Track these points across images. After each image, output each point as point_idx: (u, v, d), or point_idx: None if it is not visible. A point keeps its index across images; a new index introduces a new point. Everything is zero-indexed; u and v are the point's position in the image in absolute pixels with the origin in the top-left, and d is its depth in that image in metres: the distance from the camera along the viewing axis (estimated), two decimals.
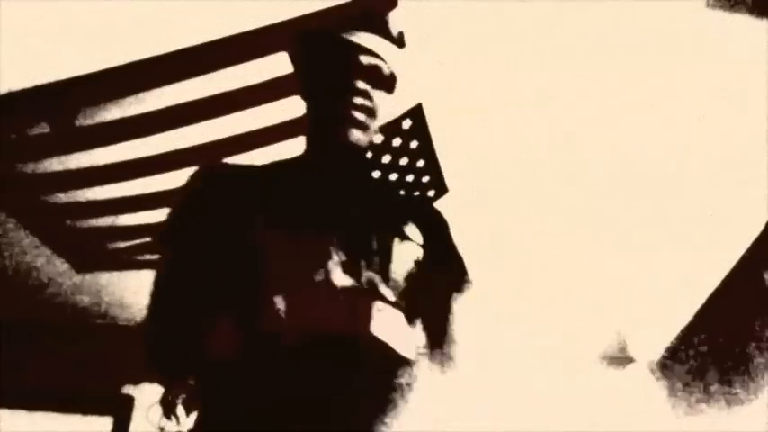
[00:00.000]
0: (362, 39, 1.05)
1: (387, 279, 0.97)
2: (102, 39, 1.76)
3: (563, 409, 3.22)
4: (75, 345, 3.32)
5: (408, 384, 0.98)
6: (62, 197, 2.23)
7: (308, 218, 0.97)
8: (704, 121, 2.11)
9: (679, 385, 3.26)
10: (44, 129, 1.97)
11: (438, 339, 1.08)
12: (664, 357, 3.40)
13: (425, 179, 2.30)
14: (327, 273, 0.91)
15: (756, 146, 2.17)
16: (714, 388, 2.94)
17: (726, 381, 2.84)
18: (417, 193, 2.36)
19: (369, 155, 2.15)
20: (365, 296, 0.92)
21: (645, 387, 3.40)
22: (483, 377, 3.51)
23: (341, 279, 0.91)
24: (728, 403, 2.82)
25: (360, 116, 1.03)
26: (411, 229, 1.08)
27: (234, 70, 1.83)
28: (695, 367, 3.12)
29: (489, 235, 2.65)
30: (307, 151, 1.11)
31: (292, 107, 1.94)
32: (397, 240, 1.03)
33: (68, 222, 2.39)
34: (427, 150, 2.18)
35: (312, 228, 0.96)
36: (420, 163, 2.23)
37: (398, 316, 0.97)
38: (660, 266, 2.76)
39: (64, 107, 1.91)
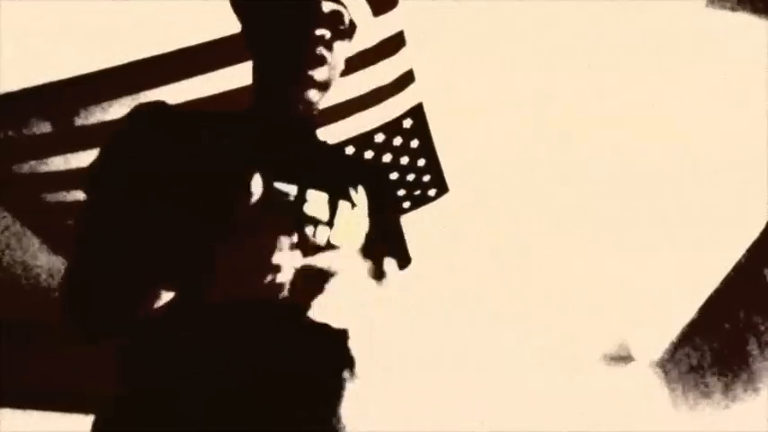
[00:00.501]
0: None
1: (329, 244, 0.89)
2: (102, 39, 1.76)
3: (563, 409, 3.22)
4: (75, 345, 3.32)
5: (344, 367, 0.89)
6: (63, 196, 2.23)
7: (248, 171, 0.88)
8: (704, 121, 2.11)
9: (679, 385, 3.26)
10: (45, 128, 1.97)
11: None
12: (664, 357, 3.40)
13: (426, 178, 2.30)
14: (271, 232, 0.81)
15: (756, 146, 2.17)
16: (714, 388, 2.94)
17: (726, 380, 2.84)
18: (418, 192, 2.36)
19: (370, 154, 2.16)
20: (308, 262, 0.83)
21: (645, 387, 3.40)
22: (483, 377, 3.51)
23: (284, 241, 0.81)
24: (728, 403, 2.82)
25: (318, 72, 0.96)
26: (359, 196, 1.01)
27: (234, 70, 1.83)
28: (695, 367, 3.12)
29: (489, 234, 2.65)
30: (255, 104, 1.04)
31: None
32: (342, 203, 0.95)
33: (69, 222, 2.39)
34: (428, 149, 2.18)
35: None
36: (421, 162, 2.23)
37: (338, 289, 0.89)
38: (660, 266, 2.77)
39: (64, 107, 1.91)
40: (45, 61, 1.81)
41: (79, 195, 2.22)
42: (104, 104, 1.91)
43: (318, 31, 0.95)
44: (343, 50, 1.01)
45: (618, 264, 2.78)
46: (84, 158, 2.06)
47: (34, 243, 2.69)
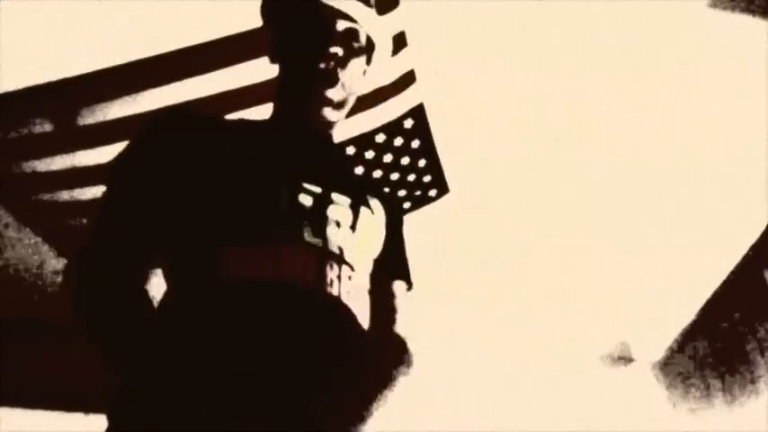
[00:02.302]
0: (341, 3, 0.99)
1: (349, 245, 0.92)
2: (103, 39, 1.76)
3: (563, 409, 3.23)
4: (75, 345, 3.32)
5: (360, 358, 0.89)
6: (63, 196, 2.23)
7: (275, 173, 0.92)
8: (704, 122, 2.11)
9: (679, 385, 3.26)
10: (45, 128, 1.97)
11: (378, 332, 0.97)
12: (664, 357, 3.40)
13: (427, 178, 2.30)
14: (295, 229, 0.86)
15: (756, 146, 2.17)
16: (714, 388, 2.94)
17: (726, 380, 2.84)
18: (419, 193, 2.36)
19: (371, 154, 2.16)
20: (332, 259, 0.88)
21: (645, 387, 3.40)
22: (483, 377, 3.51)
23: (309, 236, 0.86)
24: (728, 403, 2.82)
25: (333, 92, 0.98)
26: (376, 204, 1.03)
27: (234, 70, 1.83)
28: (695, 367, 3.12)
29: (489, 235, 2.65)
30: (277, 115, 1.06)
31: None
32: (363, 209, 0.97)
33: (70, 221, 2.39)
34: (429, 150, 2.18)
35: (277, 184, 0.91)
36: (421, 162, 2.23)
37: (362, 288, 0.93)
38: (660, 267, 2.77)
39: (65, 106, 1.91)
40: (45, 61, 1.81)
41: (80, 194, 2.23)
42: (105, 104, 1.91)
43: (332, 49, 0.96)
44: (359, 69, 1.03)
45: (618, 264, 2.78)
46: (85, 158, 2.06)
47: (34, 242, 2.69)
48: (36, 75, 1.84)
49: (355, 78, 1.02)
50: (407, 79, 1.97)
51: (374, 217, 1.00)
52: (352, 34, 1.00)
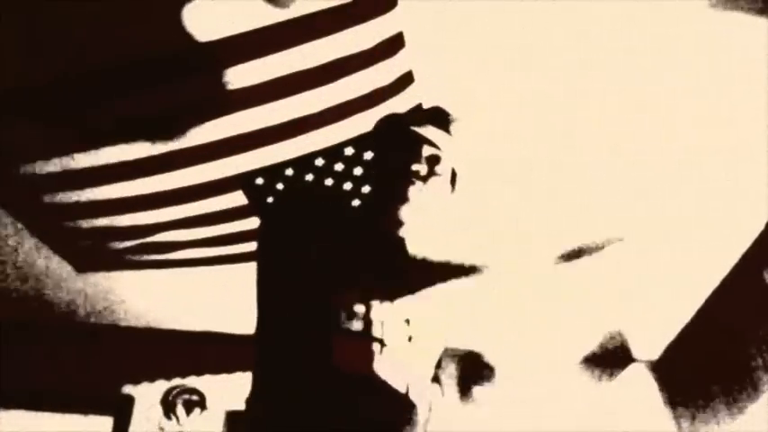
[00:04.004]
0: (428, 131, 1.18)
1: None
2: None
3: (563, 408, 3.22)
4: (75, 345, 3.32)
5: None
6: (62, 197, 2.23)
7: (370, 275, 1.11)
8: (705, 121, 2.11)
9: (679, 386, 3.26)
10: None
11: None
12: (664, 357, 3.40)
13: None
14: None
15: (756, 146, 2.17)
16: (714, 388, 2.94)
17: (726, 381, 2.84)
18: None
19: (369, 155, 2.16)
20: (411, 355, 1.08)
21: (645, 387, 3.40)
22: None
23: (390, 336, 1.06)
24: (728, 403, 2.82)
25: (413, 196, 1.15)
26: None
27: (234, 70, 1.83)
28: (695, 367, 3.12)
29: (489, 235, 2.65)
30: (363, 219, 1.26)
31: (291, 108, 1.95)
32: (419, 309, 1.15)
33: (68, 222, 2.39)
34: None
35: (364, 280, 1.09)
36: None
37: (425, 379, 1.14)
38: (660, 266, 2.77)
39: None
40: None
41: (78, 196, 2.23)
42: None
43: (415, 167, 1.15)
44: (435, 193, 1.19)
45: (618, 264, 2.78)
46: (84, 160, 2.06)
47: (33, 244, 2.69)
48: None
49: (429, 202, 1.19)
50: (406, 80, 1.97)
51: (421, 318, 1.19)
52: (434, 159, 1.18)
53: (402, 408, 1.04)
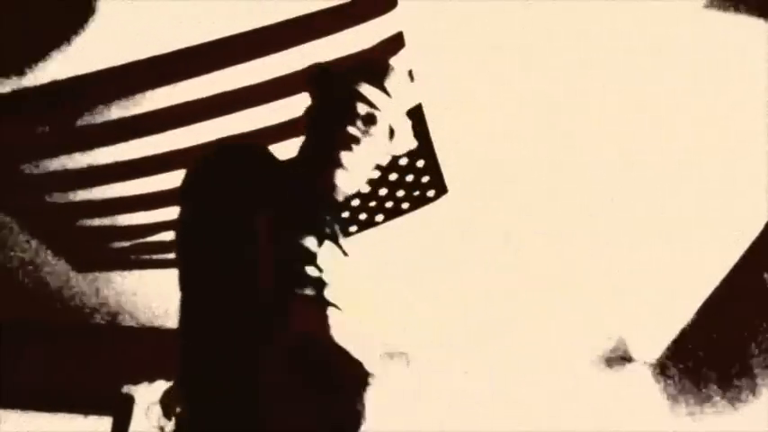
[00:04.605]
0: (365, 89, 1.15)
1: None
2: (103, 39, 1.76)
3: (563, 409, 3.23)
4: (76, 345, 3.32)
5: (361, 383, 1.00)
6: (62, 197, 2.23)
7: (302, 224, 1.04)
8: (703, 122, 2.11)
9: (678, 386, 3.26)
10: (45, 129, 1.97)
11: None
12: (664, 357, 3.40)
13: (425, 179, 2.30)
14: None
15: (756, 146, 2.17)
16: (714, 388, 2.94)
17: (726, 381, 2.84)
18: (417, 193, 2.36)
19: None
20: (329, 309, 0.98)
21: (645, 387, 3.40)
22: (481, 377, 3.51)
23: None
24: (728, 404, 2.82)
25: (348, 161, 1.12)
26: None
27: (233, 70, 1.83)
28: (695, 367, 3.12)
29: (489, 235, 2.65)
30: (298, 164, 1.19)
31: (292, 108, 1.95)
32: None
33: (68, 222, 2.39)
34: (427, 150, 2.18)
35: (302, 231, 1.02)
36: (420, 163, 2.23)
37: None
38: (660, 266, 2.77)
39: (64, 107, 1.91)
40: (45, 61, 1.81)
41: (77, 196, 2.23)
42: (105, 105, 1.91)
43: (350, 129, 1.13)
44: (372, 147, 1.16)
45: (618, 264, 2.78)
46: (84, 159, 2.06)
47: (33, 244, 2.70)
48: (36, 75, 1.83)
49: (369, 157, 1.16)
50: None
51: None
52: (371, 118, 1.15)
53: (358, 372, 0.97)
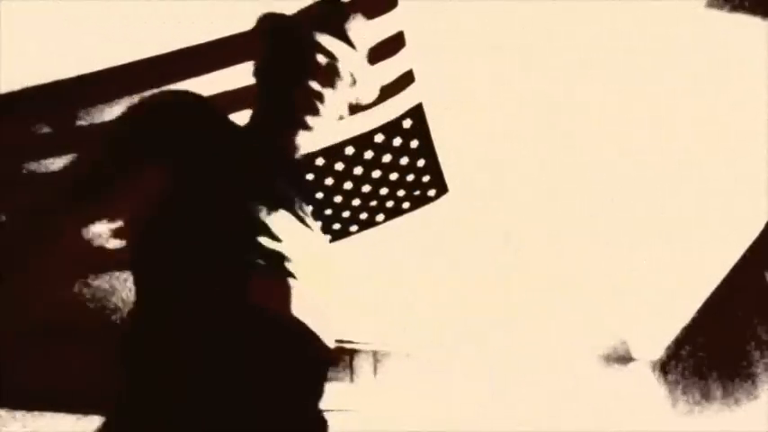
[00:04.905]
0: (323, 39, 1.06)
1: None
2: (102, 39, 1.76)
3: (563, 408, 3.22)
4: (76, 345, 3.32)
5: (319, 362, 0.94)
6: None
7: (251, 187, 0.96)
8: (704, 122, 2.11)
9: (679, 385, 3.26)
10: (45, 128, 1.97)
11: None
12: (663, 357, 3.40)
13: (426, 178, 2.30)
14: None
15: (756, 146, 2.17)
16: (714, 388, 2.94)
17: (726, 381, 2.84)
18: (418, 193, 2.36)
19: (369, 154, 2.16)
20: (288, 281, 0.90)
21: (645, 387, 3.40)
22: (481, 377, 3.50)
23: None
24: (728, 403, 2.82)
25: (308, 118, 1.04)
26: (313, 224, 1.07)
27: (233, 70, 1.83)
28: (695, 367, 3.12)
29: (489, 234, 2.65)
30: (252, 126, 1.12)
31: None
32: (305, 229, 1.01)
33: None
34: (427, 150, 2.18)
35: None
36: (420, 162, 2.23)
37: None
38: (660, 266, 2.77)
39: (64, 107, 1.91)
40: (45, 61, 1.81)
41: None
42: (104, 105, 1.91)
43: (311, 83, 1.04)
44: (336, 102, 1.08)
45: (618, 263, 2.78)
46: None
47: None
48: (36, 75, 1.84)
49: (331, 111, 1.07)
50: (406, 79, 1.97)
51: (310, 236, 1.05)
52: (332, 69, 1.06)
53: (316, 347, 0.90)
